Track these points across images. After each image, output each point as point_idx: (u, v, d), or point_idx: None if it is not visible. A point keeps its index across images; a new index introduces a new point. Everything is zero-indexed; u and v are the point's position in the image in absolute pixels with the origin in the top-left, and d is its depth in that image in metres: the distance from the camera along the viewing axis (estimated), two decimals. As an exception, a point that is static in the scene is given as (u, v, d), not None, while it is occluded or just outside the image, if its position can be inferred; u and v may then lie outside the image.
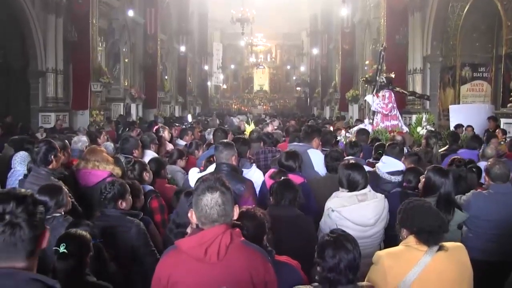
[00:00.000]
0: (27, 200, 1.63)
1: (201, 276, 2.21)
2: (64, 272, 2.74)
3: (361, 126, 9.76)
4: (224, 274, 2.20)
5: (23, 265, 1.62)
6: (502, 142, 8.17)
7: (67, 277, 2.71)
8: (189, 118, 14.53)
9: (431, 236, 2.70)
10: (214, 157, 5.23)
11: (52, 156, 4.39)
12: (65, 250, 2.75)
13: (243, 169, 4.78)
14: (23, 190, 1.70)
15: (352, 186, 3.78)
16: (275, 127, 9.97)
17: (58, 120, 14.20)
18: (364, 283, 2.59)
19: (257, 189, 4.52)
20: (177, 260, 2.28)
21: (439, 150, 7.00)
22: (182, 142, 7.99)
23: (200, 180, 2.38)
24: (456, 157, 5.37)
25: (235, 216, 2.36)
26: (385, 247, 3.62)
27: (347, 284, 2.40)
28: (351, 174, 3.79)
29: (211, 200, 2.25)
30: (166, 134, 8.03)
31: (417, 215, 2.78)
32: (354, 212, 3.65)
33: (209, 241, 2.20)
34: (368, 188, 3.83)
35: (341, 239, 2.47)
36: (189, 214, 2.38)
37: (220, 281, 2.19)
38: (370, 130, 8.95)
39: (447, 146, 7.35)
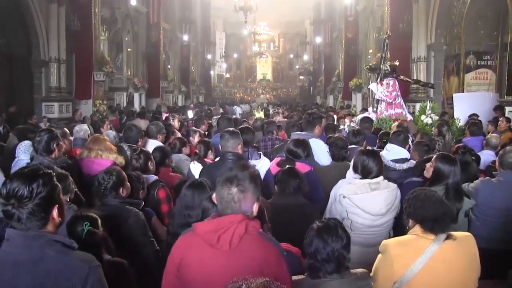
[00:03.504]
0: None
1: (211, 263, 2.20)
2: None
3: (365, 114, 9.71)
4: (234, 263, 2.17)
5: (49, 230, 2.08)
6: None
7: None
8: (190, 114, 13.64)
9: (436, 224, 2.68)
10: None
11: (55, 145, 4.39)
12: (90, 227, 2.83)
13: (252, 160, 4.75)
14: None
15: (366, 173, 3.78)
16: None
17: (76, 110, 14.10)
18: (359, 270, 2.57)
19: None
20: (191, 243, 2.27)
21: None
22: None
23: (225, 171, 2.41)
24: (459, 144, 5.33)
25: (255, 213, 2.33)
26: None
27: (330, 274, 2.42)
28: (366, 160, 3.78)
29: (227, 195, 2.26)
30: (175, 123, 8.08)
31: (419, 204, 2.77)
32: (365, 200, 3.64)
33: (224, 229, 2.19)
34: (381, 177, 3.80)
35: (322, 231, 2.46)
36: (213, 196, 2.41)
37: (229, 270, 2.13)
38: (374, 118, 8.91)
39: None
